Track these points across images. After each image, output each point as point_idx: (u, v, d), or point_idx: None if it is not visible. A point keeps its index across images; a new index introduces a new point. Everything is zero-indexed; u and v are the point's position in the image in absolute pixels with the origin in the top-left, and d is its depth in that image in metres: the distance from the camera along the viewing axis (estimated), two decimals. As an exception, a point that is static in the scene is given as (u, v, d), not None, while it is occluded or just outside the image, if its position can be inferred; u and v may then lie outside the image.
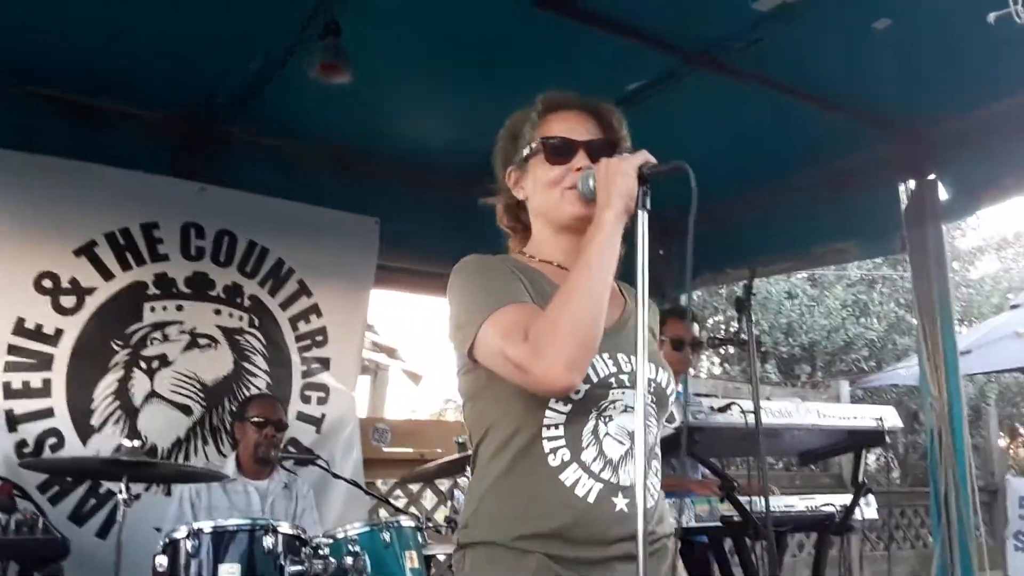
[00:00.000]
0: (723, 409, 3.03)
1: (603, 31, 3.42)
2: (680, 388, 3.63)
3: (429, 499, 5.95)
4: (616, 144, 1.68)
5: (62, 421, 3.87)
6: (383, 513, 4.71)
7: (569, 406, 1.52)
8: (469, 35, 3.48)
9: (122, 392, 4.02)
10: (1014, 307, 9.94)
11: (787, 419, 3.22)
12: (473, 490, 1.62)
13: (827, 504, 3.43)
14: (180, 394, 4.15)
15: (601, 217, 1.50)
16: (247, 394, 4.25)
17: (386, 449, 5.10)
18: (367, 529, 3.18)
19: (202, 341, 4.25)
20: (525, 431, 1.53)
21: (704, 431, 3.00)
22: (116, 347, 4.04)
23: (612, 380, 1.55)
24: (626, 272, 1.52)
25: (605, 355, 1.54)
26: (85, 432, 3.91)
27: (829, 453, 4.10)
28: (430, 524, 3.63)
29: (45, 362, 3.87)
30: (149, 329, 4.12)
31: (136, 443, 3.17)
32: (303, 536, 3.00)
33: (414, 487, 5.75)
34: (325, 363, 4.63)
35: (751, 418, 2.93)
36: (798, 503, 3.40)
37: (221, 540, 2.86)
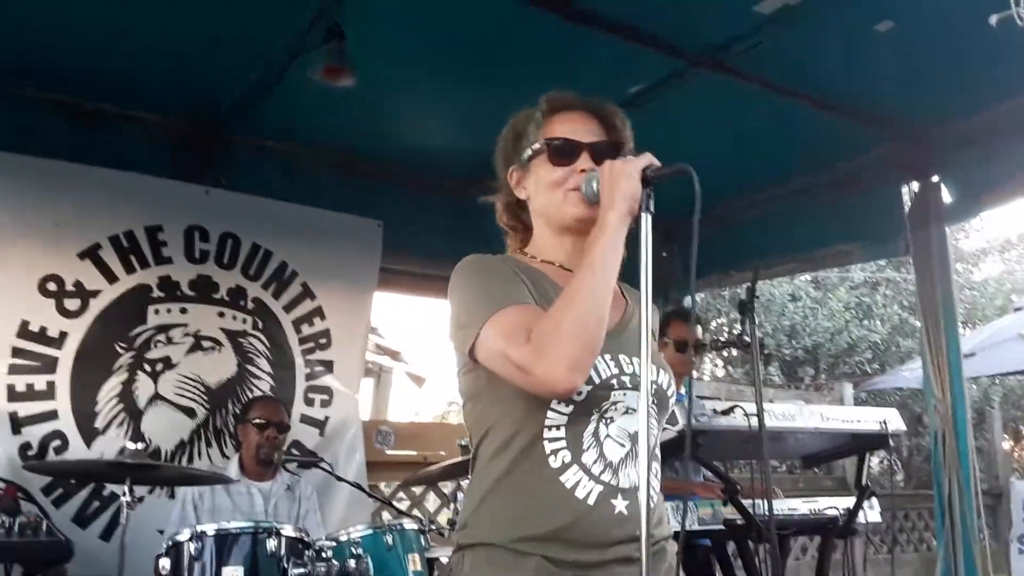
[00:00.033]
0: (726, 412, 3.03)
1: (605, 33, 3.42)
2: (683, 390, 3.64)
3: (432, 502, 5.95)
4: (620, 146, 1.68)
5: (66, 424, 3.88)
6: (386, 516, 4.72)
7: (571, 407, 1.52)
8: (471, 38, 3.48)
9: (126, 395, 4.03)
10: (1018, 309, 9.94)
11: (790, 422, 3.21)
12: (473, 490, 1.61)
13: (830, 507, 3.42)
14: (184, 397, 4.16)
15: (605, 219, 1.50)
16: (251, 396, 4.26)
17: (389, 452, 5.11)
18: (370, 532, 3.18)
19: (206, 344, 4.25)
20: (526, 432, 1.53)
21: (707, 434, 2.99)
22: (120, 350, 4.05)
23: (614, 382, 1.55)
24: (630, 274, 1.52)
25: (607, 356, 1.54)
26: (89, 435, 3.92)
27: (832, 456, 4.10)
28: (433, 527, 3.63)
29: (49, 365, 3.88)
30: (153, 332, 4.13)
31: (140, 445, 3.17)
32: (306, 539, 3.01)
33: (417, 490, 5.75)
34: (328, 366, 4.64)
35: (754, 421, 2.92)
36: (801, 506, 3.40)
37: (224, 543, 2.87)
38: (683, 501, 2.84)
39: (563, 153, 1.65)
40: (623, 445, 1.55)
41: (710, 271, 5.40)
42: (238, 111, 4.20)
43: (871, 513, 3.49)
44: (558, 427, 1.52)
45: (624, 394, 1.56)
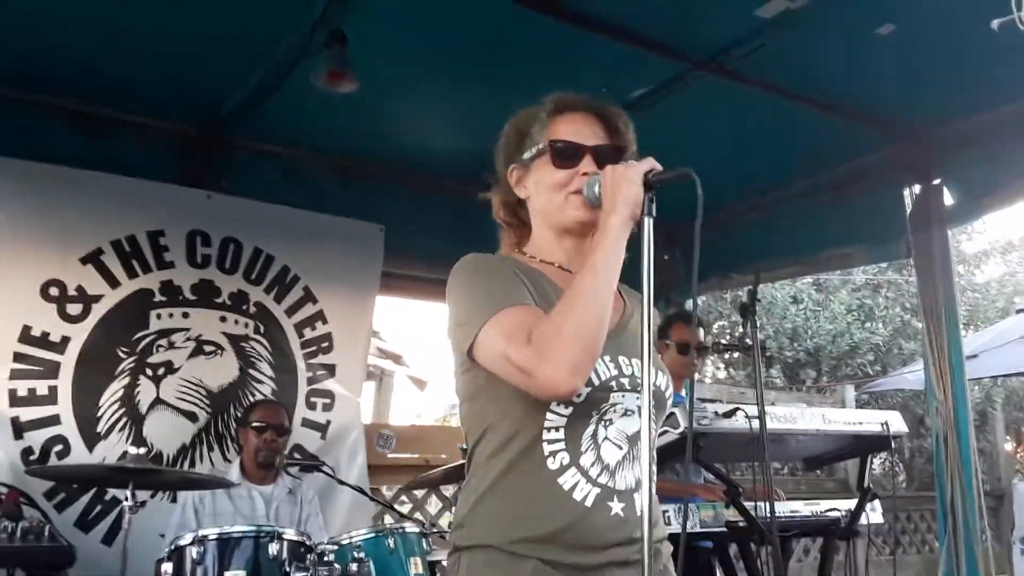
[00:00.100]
0: (728, 414, 3.02)
1: (607, 36, 3.43)
2: (683, 392, 3.64)
3: (434, 505, 5.95)
4: (623, 150, 1.67)
5: (68, 428, 3.88)
6: (388, 519, 4.71)
7: (570, 409, 1.52)
8: (473, 41, 3.49)
9: (128, 399, 4.03)
10: (1020, 311, 9.93)
11: (792, 424, 3.21)
12: (469, 490, 1.60)
13: (832, 509, 3.42)
14: (186, 401, 4.16)
15: (607, 223, 1.50)
16: (252, 400, 4.26)
17: (391, 455, 5.11)
18: (372, 535, 3.18)
19: (208, 348, 4.25)
20: (525, 433, 1.52)
21: (709, 436, 2.99)
22: (122, 354, 4.05)
23: (613, 383, 1.55)
24: (632, 277, 1.52)
25: (606, 358, 1.54)
26: (91, 439, 3.92)
27: (834, 458, 4.09)
28: (435, 530, 3.63)
29: (51, 370, 3.89)
30: (155, 336, 4.14)
31: (142, 450, 3.18)
32: (308, 542, 3.01)
33: (419, 493, 5.75)
34: (331, 369, 4.64)
35: (756, 423, 2.92)
36: (803, 508, 3.39)
37: (226, 547, 2.87)
38: (684, 503, 2.84)
39: (566, 155, 1.64)
40: (620, 447, 1.55)
41: (711, 274, 5.40)
42: (239, 115, 4.21)
43: (873, 515, 3.48)
44: (557, 428, 1.52)
45: (623, 396, 1.56)
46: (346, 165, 4.79)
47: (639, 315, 1.65)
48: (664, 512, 2.91)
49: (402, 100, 4.02)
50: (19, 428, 3.78)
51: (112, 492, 3.82)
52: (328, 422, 4.59)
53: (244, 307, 4.42)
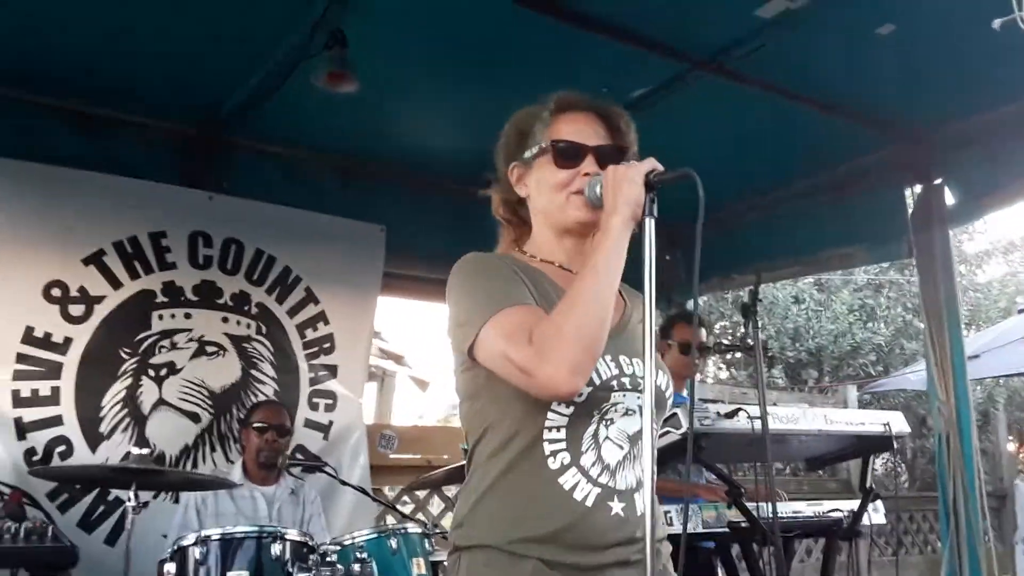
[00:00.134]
0: (730, 415, 3.02)
1: (607, 36, 3.43)
2: (684, 393, 3.64)
3: (436, 505, 5.95)
4: (625, 150, 1.68)
5: (71, 429, 3.89)
6: (390, 520, 4.72)
7: (571, 408, 1.52)
8: (473, 41, 3.49)
9: (130, 400, 4.04)
10: (1022, 311, 9.92)
11: (794, 424, 3.21)
12: (469, 490, 1.60)
13: (835, 509, 3.42)
14: (188, 401, 4.16)
15: (608, 223, 1.50)
16: (255, 401, 4.26)
17: (393, 456, 5.11)
18: (374, 536, 3.19)
19: (210, 349, 4.26)
20: (526, 432, 1.52)
21: (711, 437, 2.99)
22: (124, 355, 4.06)
23: (614, 383, 1.55)
24: (633, 278, 1.52)
25: (607, 357, 1.54)
26: (94, 440, 3.93)
27: (836, 458, 4.09)
28: (437, 530, 3.63)
29: (54, 370, 3.89)
30: (157, 337, 4.14)
31: (144, 451, 3.19)
32: (311, 543, 3.02)
33: (421, 493, 5.75)
34: (332, 370, 4.65)
35: (758, 424, 2.92)
36: (806, 509, 3.39)
37: (229, 547, 2.88)
38: (686, 504, 2.85)
39: (568, 155, 1.64)
40: (621, 447, 1.56)
41: (712, 274, 5.40)
42: (240, 115, 4.21)
43: (875, 515, 3.48)
44: (558, 428, 1.52)
45: (624, 395, 1.56)
46: (347, 165, 4.80)
47: (639, 314, 1.65)
48: (666, 512, 2.92)
49: (402, 100, 4.02)
50: (22, 429, 3.78)
51: (115, 493, 3.83)
52: (330, 423, 4.59)
53: (246, 308, 4.42)
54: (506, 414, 1.54)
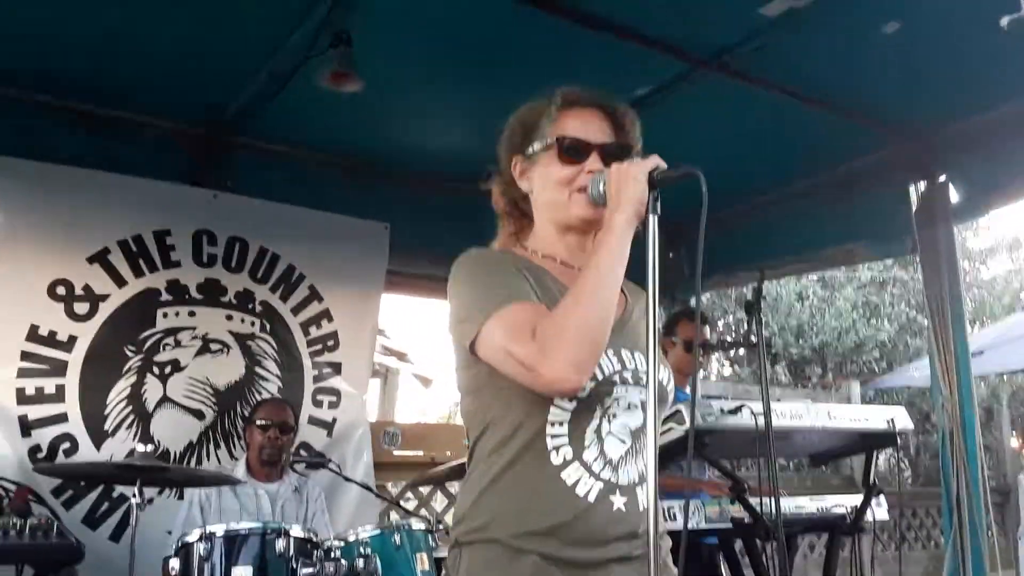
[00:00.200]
0: (733, 411, 3.03)
1: (609, 35, 3.42)
2: (686, 390, 3.64)
3: (439, 502, 5.96)
4: (629, 148, 1.67)
5: (76, 426, 3.90)
6: (394, 516, 4.73)
7: (574, 403, 1.52)
8: (476, 41, 3.49)
9: (135, 397, 4.05)
10: (1026, 307, 9.91)
11: (798, 421, 3.21)
12: (471, 485, 1.60)
13: (838, 505, 3.42)
14: (192, 399, 4.18)
15: (612, 222, 1.50)
16: (259, 399, 4.28)
17: (396, 452, 5.12)
18: (378, 532, 3.19)
19: (214, 346, 4.27)
20: (528, 428, 1.53)
21: (714, 433, 3.00)
22: (129, 353, 4.07)
23: (616, 377, 1.55)
24: (636, 275, 1.52)
25: (609, 352, 1.54)
26: (99, 437, 3.94)
27: (840, 454, 4.09)
28: (440, 526, 3.64)
29: (59, 368, 3.91)
30: (162, 335, 4.15)
31: (149, 448, 3.19)
32: (315, 539, 3.02)
33: (424, 490, 5.77)
34: (336, 367, 4.66)
35: (761, 420, 2.93)
36: (809, 504, 3.39)
37: (233, 543, 2.88)
38: (686, 499, 2.85)
39: (573, 152, 1.64)
40: (624, 442, 1.56)
41: (715, 272, 5.41)
42: (245, 115, 4.22)
43: (879, 511, 3.48)
44: (561, 423, 1.52)
45: (626, 390, 1.56)
46: (350, 164, 4.80)
47: (641, 309, 1.66)
48: (668, 508, 2.92)
49: (405, 99, 4.02)
50: (27, 426, 3.79)
51: (119, 489, 3.84)
52: (334, 420, 4.60)
53: (250, 306, 4.43)
54: (508, 410, 1.54)
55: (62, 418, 3.88)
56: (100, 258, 4.06)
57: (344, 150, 4.72)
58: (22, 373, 3.83)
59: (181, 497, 3.84)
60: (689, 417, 2.79)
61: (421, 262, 5.06)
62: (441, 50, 3.59)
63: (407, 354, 10.67)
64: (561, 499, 1.50)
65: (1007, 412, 11.53)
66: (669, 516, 2.92)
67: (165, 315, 4.18)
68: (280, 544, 2.88)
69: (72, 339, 3.95)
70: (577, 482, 1.51)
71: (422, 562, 3.19)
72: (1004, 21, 2.53)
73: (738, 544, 3.59)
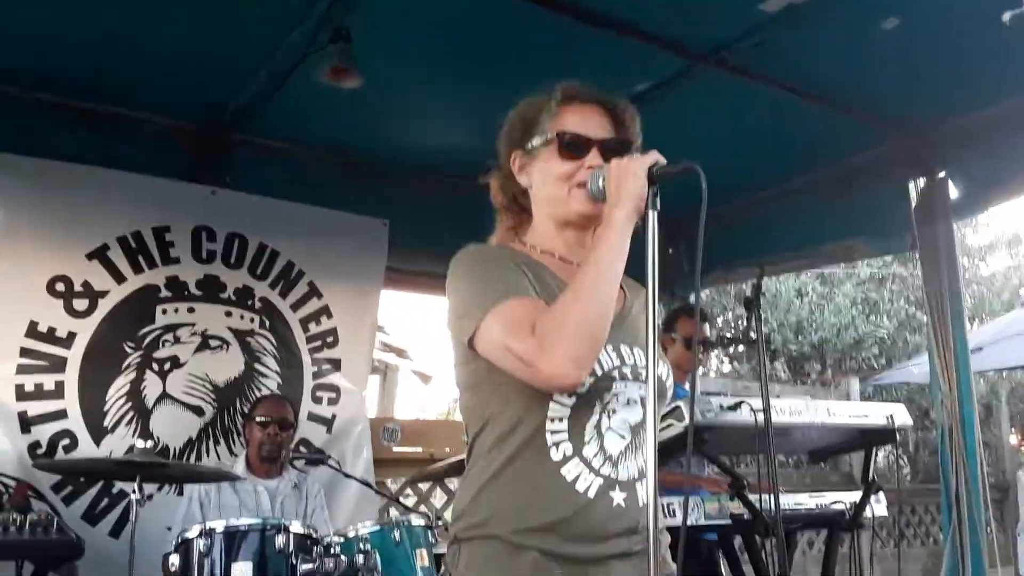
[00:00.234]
0: (733, 407, 3.03)
1: (608, 32, 3.42)
2: (686, 386, 3.65)
3: (439, 498, 5.97)
4: (629, 143, 1.67)
5: (75, 422, 3.90)
6: (393, 512, 4.73)
7: (574, 399, 1.52)
8: (475, 37, 3.49)
9: (134, 394, 4.05)
10: (1025, 304, 9.91)
11: (797, 417, 3.21)
12: (470, 481, 1.60)
13: (837, 502, 3.43)
14: (192, 395, 4.18)
15: (611, 217, 1.50)
16: (258, 395, 4.28)
17: (396, 449, 5.12)
18: (378, 528, 3.19)
19: (213, 343, 4.27)
20: (528, 423, 1.52)
21: (713, 429, 3.00)
22: (128, 349, 4.07)
23: (615, 373, 1.55)
24: (635, 271, 1.52)
25: (608, 347, 1.54)
26: (98, 433, 3.95)
27: (839, 451, 4.09)
28: (440, 523, 3.65)
29: (58, 364, 3.91)
30: (161, 331, 4.16)
31: (148, 444, 3.20)
32: (314, 535, 3.02)
33: (424, 486, 5.77)
34: (336, 364, 4.66)
35: (761, 416, 2.93)
36: (808, 501, 3.40)
37: (233, 539, 2.88)
38: (685, 495, 2.86)
39: (573, 148, 1.64)
40: (623, 437, 1.56)
41: (715, 268, 5.40)
42: (244, 112, 4.22)
43: (878, 507, 3.49)
44: (560, 419, 1.52)
45: (625, 385, 1.56)
46: (350, 161, 4.80)
47: (640, 304, 1.66)
48: (668, 504, 2.93)
49: (405, 97, 4.02)
50: (26, 422, 3.80)
51: (119, 485, 3.85)
52: (334, 416, 4.60)
53: (249, 302, 4.43)
54: (508, 406, 1.54)
55: (61, 414, 3.89)
56: (99, 254, 4.06)
57: (344, 148, 4.71)
58: (21, 369, 3.83)
59: (181, 493, 3.85)
60: (688, 413, 2.79)
61: (420, 259, 5.06)
62: (440, 47, 3.59)
63: (406, 350, 10.66)
64: (561, 495, 1.50)
65: (1006, 408, 11.54)
66: (668, 512, 2.93)
67: (164, 311, 4.18)
68: (280, 540, 2.88)
69: (71, 335, 3.95)
70: (577, 478, 1.51)
71: (421, 558, 3.19)
72: (1006, 16, 2.52)
73: (737, 540, 3.59)
